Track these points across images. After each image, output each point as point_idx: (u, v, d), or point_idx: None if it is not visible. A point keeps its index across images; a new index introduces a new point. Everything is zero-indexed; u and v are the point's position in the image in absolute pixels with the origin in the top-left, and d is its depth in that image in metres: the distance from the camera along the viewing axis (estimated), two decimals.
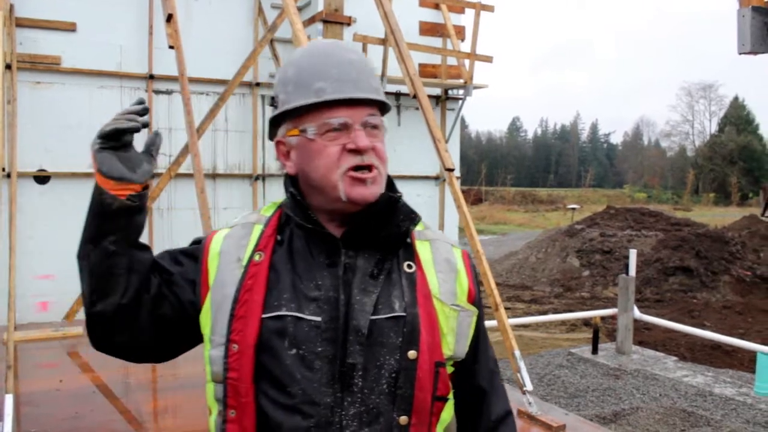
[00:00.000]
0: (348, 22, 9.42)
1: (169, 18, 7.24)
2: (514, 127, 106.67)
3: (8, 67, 8.21)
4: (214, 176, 9.65)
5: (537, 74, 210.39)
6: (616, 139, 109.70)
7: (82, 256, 1.40)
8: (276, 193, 9.87)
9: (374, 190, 1.39)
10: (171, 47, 7.10)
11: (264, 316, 1.34)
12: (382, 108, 1.45)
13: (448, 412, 1.43)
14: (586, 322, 11.85)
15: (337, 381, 1.31)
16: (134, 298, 1.39)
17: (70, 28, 8.70)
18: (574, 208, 35.98)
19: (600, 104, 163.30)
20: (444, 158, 6.41)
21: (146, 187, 1.43)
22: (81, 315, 8.44)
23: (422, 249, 1.46)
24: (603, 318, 10.99)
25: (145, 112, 1.39)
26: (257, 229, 1.45)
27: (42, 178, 8.66)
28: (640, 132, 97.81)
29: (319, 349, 1.31)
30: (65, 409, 6.05)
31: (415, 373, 1.33)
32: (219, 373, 1.36)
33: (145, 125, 1.38)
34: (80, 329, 8.02)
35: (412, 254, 1.44)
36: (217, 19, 9.41)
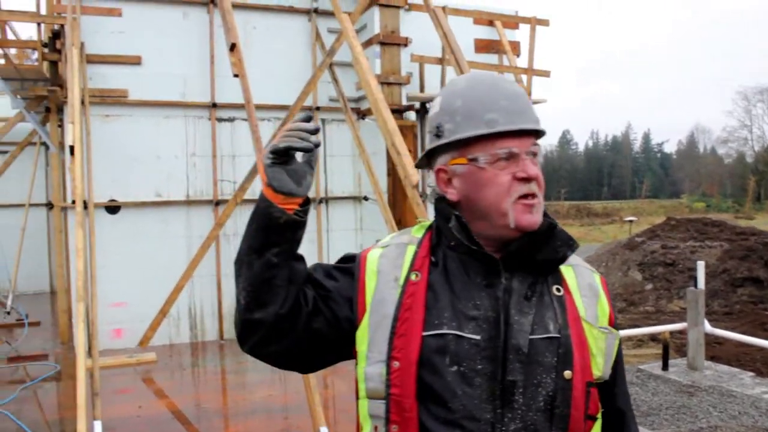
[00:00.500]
0: (405, 42, 9.50)
1: (233, 47, 7.39)
2: (565, 140, 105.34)
3: (81, 102, 8.49)
4: None
5: (585, 84, 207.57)
6: (670, 148, 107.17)
7: (244, 263, 1.46)
8: (339, 217, 9.96)
9: (539, 218, 1.44)
10: (235, 76, 7.24)
11: (425, 334, 1.38)
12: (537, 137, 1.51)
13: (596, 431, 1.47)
14: (653, 338, 11.54)
15: (497, 397, 1.36)
16: (292, 308, 1.44)
17: (135, 61, 8.97)
18: (631, 221, 35.28)
19: (651, 113, 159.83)
20: None
21: (308, 200, 1.47)
22: (153, 341, 8.63)
23: (567, 273, 1.51)
24: (671, 333, 10.69)
25: (316, 131, 1.39)
26: (410, 250, 1.50)
27: (113, 208, 8.89)
28: (695, 140, 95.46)
29: (479, 366, 1.36)
30: None
31: (570, 392, 1.38)
32: (378, 389, 1.40)
33: (317, 145, 1.40)
34: (153, 355, 8.19)
35: (559, 278, 1.49)
36: (275, 46, 9.57)
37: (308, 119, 1.42)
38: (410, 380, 1.36)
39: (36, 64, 9.36)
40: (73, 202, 6.11)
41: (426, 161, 1.57)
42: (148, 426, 6.23)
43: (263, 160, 1.41)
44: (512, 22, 10.77)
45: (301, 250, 1.48)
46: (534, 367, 1.38)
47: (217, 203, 9.28)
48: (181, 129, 9.26)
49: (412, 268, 1.46)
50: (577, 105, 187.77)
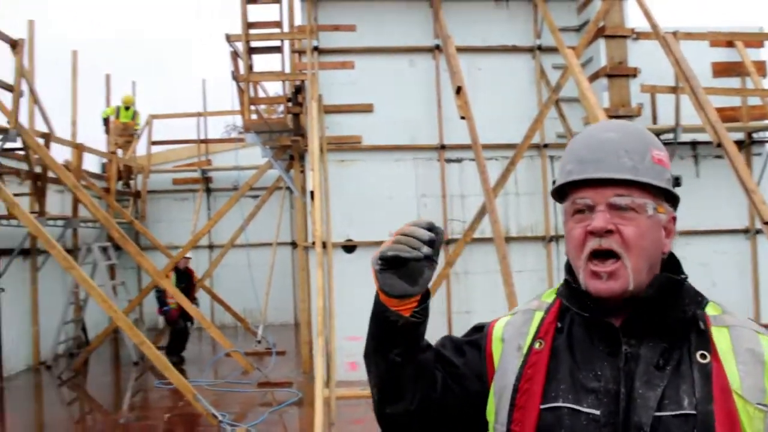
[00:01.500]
0: (633, 73, 9.10)
1: (458, 90, 7.60)
2: None
3: (320, 150, 9.24)
4: (507, 239, 9.72)
5: None
6: None
7: (371, 361, 1.42)
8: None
9: (612, 286, 1.27)
10: (462, 118, 7.43)
11: (542, 407, 1.29)
12: (657, 189, 1.32)
13: None
14: None
15: None
16: (421, 402, 1.39)
17: (367, 109, 9.56)
18: None
19: None
20: (761, 210, 5.79)
21: (427, 294, 1.38)
22: None
23: (719, 337, 1.28)
24: None
25: (431, 242, 1.30)
26: (538, 316, 1.42)
27: (350, 248, 9.47)
28: None
29: None
30: None
31: None
32: None
33: (428, 257, 1.30)
34: None
35: (707, 343, 1.26)
36: (500, 86, 9.66)
37: (429, 228, 1.32)
38: None
39: (281, 117, 10.32)
40: (314, 243, 6.59)
41: None
42: None
43: (373, 264, 1.34)
44: (756, 40, 9.87)
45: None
46: None
47: (447, 242, 9.51)
48: (411, 171, 9.66)
49: (536, 336, 1.38)
50: None
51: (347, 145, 9.58)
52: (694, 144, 9.71)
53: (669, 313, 1.28)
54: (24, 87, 9.73)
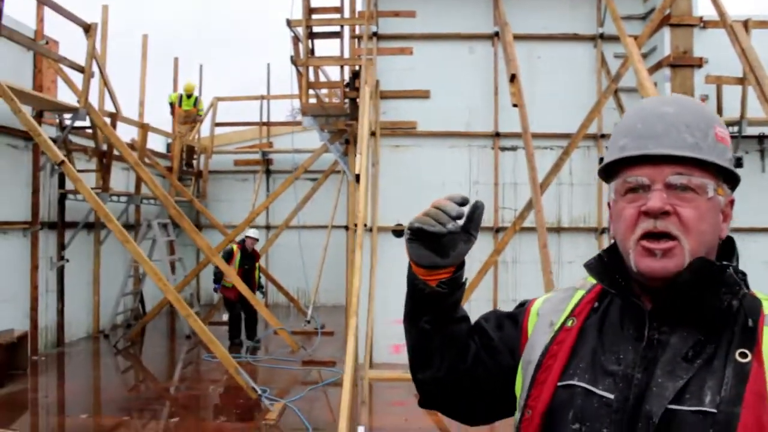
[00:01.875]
0: (699, 63, 8.81)
1: (512, 78, 7.53)
2: None
3: (373, 134, 9.28)
4: (558, 230, 9.62)
5: None
6: None
7: (406, 327, 1.45)
8: None
9: (666, 265, 1.18)
10: (514, 105, 7.35)
11: (559, 383, 1.25)
12: (718, 168, 1.23)
13: None
14: None
15: None
16: (449, 371, 1.39)
17: (424, 95, 9.55)
18: None
19: None
20: None
21: (460, 267, 1.38)
22: None
23: None
24: None
25: (460, 215, 1.30)
26: (578, 294, 1.38)
27: (398, 232, 9.47)
28: None
29: (604, 429, 1.17)
30: None
31: None
32: None
33: (454, 232, 1.30)
34: None
35: (752, 341, 1.15)
36: (559, 74, 9.51)
37: (462, 202, 1.31)
38: (534, 430, 1.24)
39: (339, 101, 10.41)
40: (356, 225, 6.67)
41: None
42: None
43: (404, 233, 1.35)
44: None
45: None
46: None
47: (497, 230, 9.45)
48: (465, 158, 9.62)
49: (571, 314, 1.33)
50: None
51: (402, 130, 9.60)
52: (760, 138, 9.35)
53: (704, 300, 1.18)
54: (95, 68, 10.10)
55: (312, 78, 11.01)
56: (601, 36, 9.53)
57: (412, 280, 1.37)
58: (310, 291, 12.51)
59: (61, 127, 10.01)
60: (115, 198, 11.52)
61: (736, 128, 9.05)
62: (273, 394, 7.58)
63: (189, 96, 14.91)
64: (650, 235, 1.18)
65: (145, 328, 11.77)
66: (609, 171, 1.29)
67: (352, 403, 5.21)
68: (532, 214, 8.52)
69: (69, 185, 10.27)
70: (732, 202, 1.27)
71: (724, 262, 1.19)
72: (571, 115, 9.03)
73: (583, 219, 9.62)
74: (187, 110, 14.83)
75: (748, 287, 1.22)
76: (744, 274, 1.23)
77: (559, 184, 9.52)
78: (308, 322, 11.86)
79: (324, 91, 11.86)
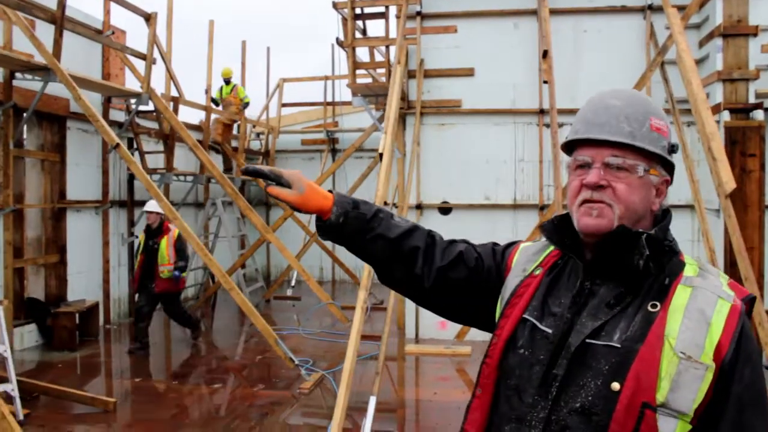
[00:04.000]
0: (754, 32, 8.43)
1: (545, 54, 7.49)
2: None
3: (420, 113, 9.43)
4: None
5: None
6: None
7: None
8: (673, 224, 9.24)
9: (599, 222, 1.46)
10: (545, 82, 7.33)
11: (519, 318, 1.55)
12: (653, 155, 1.50)
13: None
14: None
15: (540, 386, 1.45)
16: (405, 278, 1.75)
17: (469, 73, 9.59)
18: None
19: None
20: None
21: (336, 213, 1.70)
22: (470, 335, 9.13)
23: (680, 294, 1.42)
24: None
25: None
26: (549, 249, 1.67)
27: (445, 209, 9.64)
28: None
29: (541, 356, 1.46)
30: (430, 417, 6.66)
31: (614, 405, 1.34)
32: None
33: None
34: (469, 349, 8.70)
35: (664, 296, 1.42)
36: (606, 48, 9.32)
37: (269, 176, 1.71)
38: (497, 353, 1.54)
39: (385, 81, 10.56)
40: (386, 203, 6.85)
41: None
42: (433, 410, 6.74)
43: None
44: None
45: None
46: (583, 369, 1.40)
47: (542, 208, 9.41)
48: (510, 135, 9.61)
49: (540, 264, 1.64)
50: None
51: (447, 108, 9.67)
52: None
53: (622, 260, 1.45)
54: (156, 55, 10.69)
55: (368, 59, 11.24)
56: (650, 7, 9.23)
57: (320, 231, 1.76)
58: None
59: (128, 111, 10.66)
60: (182, 178, 12.15)
61: None
62: (319, 366, 7.96)
63: (227, 82, 14.10)
64: (588, 201, 1.48)
65: (215, 300, 12.44)
66: (569, 148, 1.59)
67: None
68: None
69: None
70: (667, 182, 1.54)
71: (641, 230, 1.46)
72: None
73: None
74: (224, 99, 13.97)
75: (675, 252, 1.49)
76: (672, 241, 1.50)
77: None
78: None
79: (381, 70, 12.04)
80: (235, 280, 12.01)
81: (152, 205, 8.93)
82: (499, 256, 1.74)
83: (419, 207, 9.79)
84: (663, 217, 1.54)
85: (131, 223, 11.23)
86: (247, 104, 14.40)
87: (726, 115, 8.45)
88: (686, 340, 1.34)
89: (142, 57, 10.31)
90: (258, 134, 16.40)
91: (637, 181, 1.47)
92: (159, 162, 11.74)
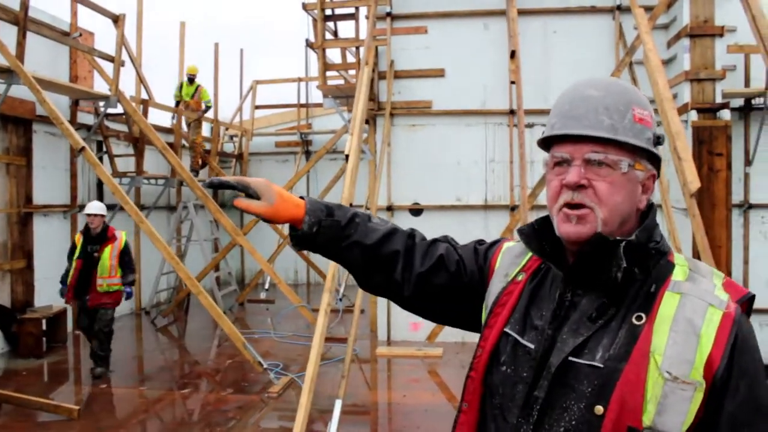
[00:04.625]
0: (720, 32, 8.51)
1: (512, 55, 7.50)
2: None
3: (390, 114, 9.41)
4: None
5: None
6: None
7: None
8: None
9: (580, 230, 1.34)
10: (512, 82, 7.34)
11: (502, 329, 1.45)
12: (636, 149, 1.36)
13: None
14: None
15: (524, 407, 1.36)
16: (384, 282, 1.66)
17: (439, 74, 9.59)
18: None
19: None
20: None
21: (308, 223, 1.60)
22: (441, 337, 9.11)
23: (668, 302, 1.29)
24: None
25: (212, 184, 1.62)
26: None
27: (416, 211, 9.62)
28: None
29: (524, 374, 1.37)
30: (397, 421, 6.62)
31: (598, 431, 1.24)
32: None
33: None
34: (440, 351, 8.67)
35: (650, 306, 1.30)
36: (577, 49, 9.35)
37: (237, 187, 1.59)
38: (482, 368, 1.44)
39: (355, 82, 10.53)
40: (351, 205, 6.82)
41: None
42: (401, 413, 6.70)
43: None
44: None
45: None
46: (565, 391, 1.30)
47: (512, 208, 9.42)
48: (481, 136, 9.62)
49: (522, 269, 1.52)
50: None
51: (417, 110, 9.66)
52: None
53: (603, 270, 1.32)
54: (125, 57, 10.57)
55: (340, 60, 11.21)
56: (619, 7, 9.30)
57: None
58: (342, 270, 12.78)
59: (97, 114, 10.53)
60: (153, 181, 12.03)
61: (761, 99, 8.74)
62: (291, 370, 7.90)
63: (191, 81, 13.17)
64: (569, 205, 1.34)
65: (188, 305, 12.33)
66: (546, 144, 1.45)
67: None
68: (543, 191, 8.48)
69: (108, 170, 10.80)
70: (653, 177, 1.40)
71: (618, 238, 1.32)
72: None
73: None
74: (186, 101, 13.14)
75: (663, 253, 1.36)
76: (659, 241, 1.37)
77: None
78: (340, 299, 12.14)
79: (353, 71, 12.01)
80: (207, 284, 11.94)
81: (95, 207, 7.81)
82: (481, 258, 1.63)
83: (390, 209, 9.77)
84: (648, 214, 1.41)
85: None
86: (209, 108, 13.72)
87: (693, 115, 8.52)
88: (674, 356, 1.23)
89: (111, 59, 10.19)
90: (231, 137, 16.29)
91: (621, 178, 1.33)
92: (130, 165, 11.61)
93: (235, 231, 9.73)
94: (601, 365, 1.26)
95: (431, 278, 1.61)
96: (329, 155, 13.98)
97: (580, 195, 1.32)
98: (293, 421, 5.93)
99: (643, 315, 1.27)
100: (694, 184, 6.17)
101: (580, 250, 1.35)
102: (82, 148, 7.79)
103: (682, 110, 8.42)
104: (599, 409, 1.23)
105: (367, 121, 10.46)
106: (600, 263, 1.32)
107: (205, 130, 14.28)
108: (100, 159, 10.73)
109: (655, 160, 1.39)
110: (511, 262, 1.54)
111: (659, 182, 7.68)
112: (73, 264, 7.85)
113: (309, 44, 9.87)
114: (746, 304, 1.30)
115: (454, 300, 1.63)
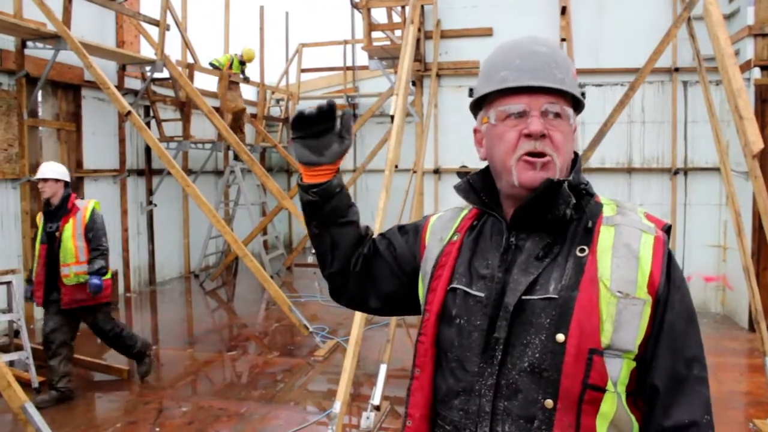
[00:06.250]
0: None
1: (563, 11, 7.20)
2: None
3: (437, 75, 9.20)
4: (629, 170, 9.23)
5: None
6: None
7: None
8: (702, 189, 8.98)
9: (543, 176, 1.39)
10: (563, 40, 7.05)
11: (447, 289, 1.49)
12: (576, 102, 1.46)
13: (609, 406, 1.32)
14: None
15: (484, 352, 1.39)
16: (342, 267, 1.70)
17: (487, 33, 9.31)
18: None
19: None
20: None
21: (337, 178, 1.64)
22: None
23: (605, 234, 1.40)
24: None
25: (330, 112, 1.56)
26: (462, 214, 1.61)
27: (463, 174, 9.40)
28: None
29: (478, 322, 1.40)
30: None
31: (562, 357, 1.30)
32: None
33: (339, 134, 1.59)
34: None
35: (590, 239, 1.40)
36: (633, 4, 8.95)
37: (330, 105, 1.56)
38: (431, 330, 1.47)
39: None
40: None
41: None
42: None
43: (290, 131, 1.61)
44: None
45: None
46: (525, 327, 1.35)
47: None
48: None
49: (456, 230, 1.57)
50: None
51: (464, 70, 9.43)
52: None
53: (549, 211, 1.40)
54: (170, 22, 10.54)
55: (386, 20, 10.99)
56: None
57: (299, 187, 1.66)
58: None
59: (143, 79, 10.57)
60: (200, 145, 12.09)
61: None
62: (338, 334, 7.91)
63: (243, 64, 13.45)
64: (531, 154, 1.39)
65: (236, 269, 12.45)
66: (480, 102, 1.50)
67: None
68: (601, 154, 8.24)
69: (156, 135, 10.89)
70: (575, 129, 1.49)
71: (561, 179, 1.40)
72: (646, 48, 8.49)
73: (656, 159, 9.15)
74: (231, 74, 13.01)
75: (592, 195, 1.46)
76: (587, 184, 1.46)
77: (630, 122, 9.11)
78: None
79: (399, 32, 11.77)
80: (255, 248, 12.02)
81: (47, 169, 5.77)
82: (411, 237, 1.68)
83: (437, 171, 9.63)
84: (574, 162, 1.48)
85: (150, 192, 11.23)
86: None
87: (756, 72, 8.11)
88: (620, 278, 1.33)
89: (156, 23, 10.18)
90: (278, 101, 16.25)
91: (568, 128, 1.42)
92: (178, 130, 11.68)
93: (282, 195, 9.71)
94: (556, 296, 1.33)
95: (374, 268, 1.69)
96: (375, 118, 13.84)
97: (542, 144, 1.38)
98: (337, 384, 5.94)
99: (585, 247, 1.37)
100: (757, 144, 5.85)
101: (529, 195, 1.39)
102: (128, 113, 7.83)
103: (745, 68, 8.02)
104: (560, 336, 1.30)
105: (413, 83, 10.29)
106: (548, 205, 1.39)
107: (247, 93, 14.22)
108: (147, 124, 10.82)
109: (580, 112, 1.50)
110: (443, 226, 1.61)
111: (717, 144, 7.35)
112: (36, 251, 5.83)
113: (354, 4, 9.67)
114: (667, 232, 1.44)
115: (398, 285, 1.67)
